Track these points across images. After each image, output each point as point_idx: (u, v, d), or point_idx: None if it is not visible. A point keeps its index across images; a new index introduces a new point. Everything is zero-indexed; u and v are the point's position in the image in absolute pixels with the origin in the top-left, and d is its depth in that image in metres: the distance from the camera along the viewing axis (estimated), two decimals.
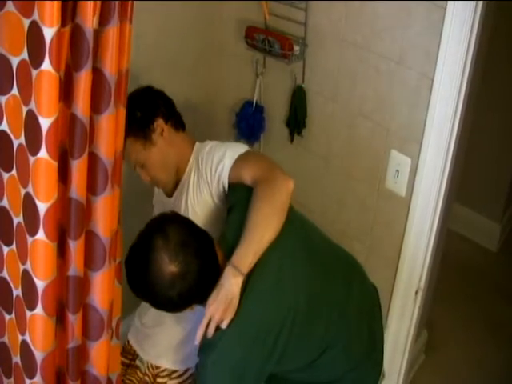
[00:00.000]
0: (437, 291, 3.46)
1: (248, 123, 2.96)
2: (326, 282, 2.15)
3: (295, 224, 2.15)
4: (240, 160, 2.16)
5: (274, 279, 2.02)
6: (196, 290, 1.96)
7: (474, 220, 4.50)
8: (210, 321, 1.97)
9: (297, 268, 2.08)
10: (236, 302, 1.97)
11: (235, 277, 1.96)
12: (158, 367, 2.48)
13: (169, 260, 1.90)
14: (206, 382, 2.01)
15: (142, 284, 1.93)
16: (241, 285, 1.96)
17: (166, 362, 2.48)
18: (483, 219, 4.48)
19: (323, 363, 2.17)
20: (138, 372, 2.52)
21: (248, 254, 1.98)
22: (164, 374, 2.47)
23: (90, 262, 1.79)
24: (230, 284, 1.95)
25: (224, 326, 1.96)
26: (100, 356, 1.94)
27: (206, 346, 1.99)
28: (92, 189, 1.71)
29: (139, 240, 1.96)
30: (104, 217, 1.74)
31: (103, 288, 1.83)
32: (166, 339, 2.47)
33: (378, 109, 2.60)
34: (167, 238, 1.92)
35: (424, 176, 2.53)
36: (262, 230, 2.02)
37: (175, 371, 2.47)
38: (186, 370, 2.48)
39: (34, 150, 1.56)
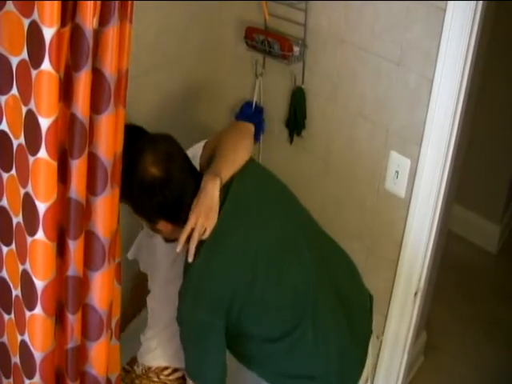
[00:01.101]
0: (436, 292, 3.46)
1: None
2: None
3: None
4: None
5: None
6: (172, 201, 2.07)
7: (473, 221, 4.51)
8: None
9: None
10: (216, 208, 2.08)
11: (214, 180, 2.07)
12: (149, 367, 2.49)
13: (152, 163, 2.02)
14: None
15: (126, 182, 1.89)
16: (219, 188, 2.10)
17: (156, 361, 2.49)
18: (482, 220, 4.49)
19: (297, 342, 2.19)
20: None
21: (224, 166, 2.13)
22: (153, 371, 2.49)
23: (89, 262, 1.79)
24: (211, 187, 2.06)
25: (206, 235, 2.05)
26: (99, 356, 1.94)
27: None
28: (91, 189, 1.71)
29: (131, 143, 1.94)
30: (103, 217, 1.74)
31: (102, 288, 1.83)
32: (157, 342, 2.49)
33: (377, 110, 2.60)
34: (156, 146, 2.07)
35: (423, 177, 2.53)
36: (234, 152, 2.18)
37: (166, 368, 2.48)
38: (176, 370, 2.49)
39: (34, 150, 1.56)
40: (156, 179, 2.03)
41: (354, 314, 2.33)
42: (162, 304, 2.43)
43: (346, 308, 2.30)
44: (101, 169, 1.68)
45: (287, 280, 2.19)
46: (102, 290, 1.84)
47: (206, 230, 2.06)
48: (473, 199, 4.40)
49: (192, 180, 2.13)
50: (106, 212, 1.74)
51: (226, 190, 2.13)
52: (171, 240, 2.28)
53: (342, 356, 2.25)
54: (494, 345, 3.91)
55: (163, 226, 2.15)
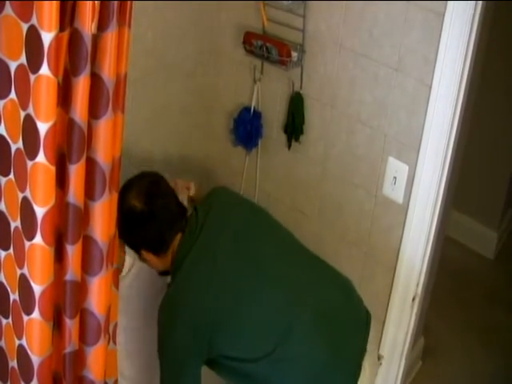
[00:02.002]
0: (433, 298, 3.46)
1: (246, 129, 2.96)
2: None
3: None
4: None
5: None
6: (153, 234, 2.27)
7: (470, 227, 4.51)
8: None
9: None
10: None
11: None
12: None
13: (136, 197, 2.21)
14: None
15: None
16: None
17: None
18: (480, 226, 4.49)
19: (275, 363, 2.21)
20: None
21: None
22: None
23: (87, 267, 1.79)
24: None
25: None
26: (97, 361, 1.94)
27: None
28: (90, 194, 1.71)
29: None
30: (102, 222, 1.74)
31: (100, 293, 1.83)
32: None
33: (375, 115, 2.60)
34: (142, 181, 2.28)
35: (421, 183, 2.53)
36: None
37: None
38: None
39: (32, 155, 1.56)
40: (138, 212, 2.23)
41: (343, 333, 2.33)
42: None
43: (333, 328, 2.30)
44: (99, 173, 1.68)
45: (262, 302, 2.24)
46: (100, 295, 1.83)
47: None
48: (470, 205, 4.40)
49: (175, 216, 2.29)
50: (104, 217, 1.73)
51: (198, 219, 2.30)
52: (163, 273, 2.40)
53: (322, 376, 2.25)
54: (490, 350, 3.90)
55: (148, 256, 2.31)
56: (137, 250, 2.33)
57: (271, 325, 2.22)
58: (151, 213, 2.24)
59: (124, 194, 2.17)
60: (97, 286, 1.81)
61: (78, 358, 1.91)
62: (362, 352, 2.36)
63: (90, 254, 1.78)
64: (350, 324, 2.37)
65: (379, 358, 2.48)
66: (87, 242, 1.76)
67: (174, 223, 2.29)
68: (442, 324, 4.00)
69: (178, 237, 2.31)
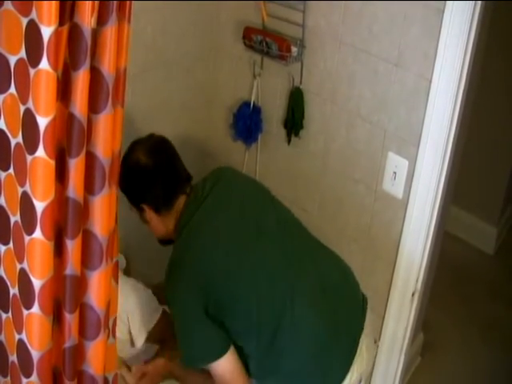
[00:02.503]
0: (433, 293, 3.47)
1: (245, 124, 2.96)
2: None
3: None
4: None
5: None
6: (155, 188, 2.30)
7: (470, 222, 4.52)
8: None
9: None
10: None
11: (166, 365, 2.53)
12: None
13: (143, 152, 2.28)
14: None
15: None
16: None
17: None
18: (480, 222, 4.50)
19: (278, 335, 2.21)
20: None
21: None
22: None
23: (87, 261, 1.79)
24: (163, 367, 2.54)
25: None
26: (97, 355, 1.93)
27: None
28: (89, 188, 1.70)
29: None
30: (101, 216, 1.74)
31: (100, 287, 1.83)
32: None
33: (375, 110, 2.61)
34: (151, 140, 2.36)
35: (421, 178, 2.53)
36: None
37: None
38: None
39: (32, 149, 1.56)
40: (143, 166, 2.28)
41: (341, 307, 2.34)
42: None
43: (331, 300, 2.31)
44: (99, 168, 1.68)
45: (264, 265, 2.26)
46: (100, 289, 1.83)
47: None
48: (470, 200, 4.41)
49: (181, 176, 2.34)
50: (103, 211, 1.73)
51: (205, 187, 2.33)
52: (165, 242, 2.33)
53: (319, 348, 2.25)
54: (490, 346, 3.91)
55: (150, 215, 2.33)
56: (139, 206, 2.34)
57: (273, 289, 2.23)
58: (156, 167, 2.30)
59: (131, 149, 2.30)
60: (96, 281, 1.81)
61: (78, 352, 1.91)
62: (359, 329, 2.35)
63: (89, 249, 1.78)
64: (347, 301, 2.38)
65: (375, 341, 2.48)
66: (87, 237, 1.76)
67: (178, 182, 2.34)
68: (442, 319, 4.00)
69: (182, 200, 2.34)
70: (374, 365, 2.57)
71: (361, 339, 2.31)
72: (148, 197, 2.32)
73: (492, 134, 4.19)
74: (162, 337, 2.58)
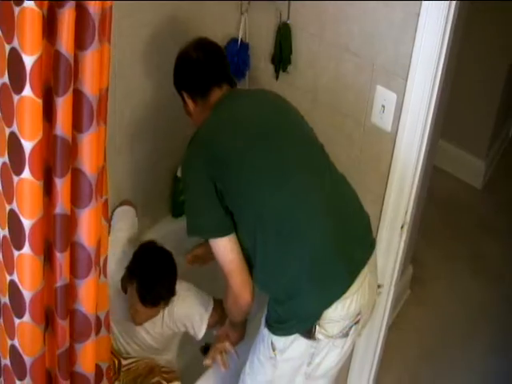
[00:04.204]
0: (422, 227, 3.50)
1: (233, 61, 2.94)
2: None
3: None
4: None
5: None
6: (196, 79, 2.44)
7: (459, 157, 4.53)
8: None
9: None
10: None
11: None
12: None
13: (194, 49, 2.47)
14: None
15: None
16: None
17: None
18: (468, 156, 4.51)
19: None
20: None
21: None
22: None
23: (76, 200, 1.79)
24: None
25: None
26: (88, 294, 1.95)
27: None
28: (77, 126, 1.70)
29: None
30: (90, 154, 1.74)
31: (90, 225, 1.84)
32: None
33: (363, 44, 2.59)
34: (205, 44, 2.54)
35: (409, 111, 2.53)
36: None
37: None
38: None
39: (18, 89, 1.56)
40: (184, 53, 2.47)
41: (350, 229, 2.33)
42: None
43: (341, 219, 2.30)
44: (86, 106, 1.67)
45: (281, 158, 2.28)
46: (90, 228, 1.84)
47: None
48: (458, 135, 4.42)
49: (215, 69, 2.45)
50: (92, 149, 1.73)
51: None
52: None
53: (322, 256, 2.24)
54: (478, 278, 3.97)
55: (189, 104, 2.45)
56: (181, 93, 2.47)
57: (280, 188, 2.23)
58: (198, 57, 2.44)
59: (187, 46, 2.48)
60: (86, 219, 1.82)
61: (70, 291, 1.93)
62: (363, 259, 2.33)
63: (79, 187, 1.78)
64: (357, 231, 2.38)
65: (379, 286, 2.50)
66: (76, 175, 1.76)
67: (214, 75, 2.44)
68: (431, 253, 4.04)
69: (218, 94, 2.41)
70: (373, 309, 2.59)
71: (364, 272, 2.29)
72: (185, 83, 2.45)
73: (481, 66, 4.18)
74: (217, 322, 2.70)
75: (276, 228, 2.22)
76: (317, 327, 2.23)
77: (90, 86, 1.66)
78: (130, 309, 2.56)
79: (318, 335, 2.24)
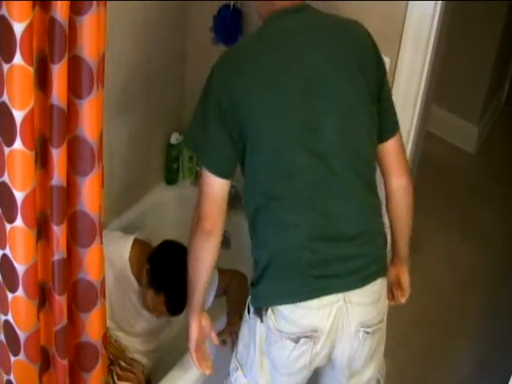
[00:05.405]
0: (414, 193, 3.50)
1: (225, 26, 2.91)
2: None
3: None
4: None
5: None
6: None
7: (451, 122, 4.52)
8: None
9: None
10: None
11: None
12: None
13: None
14: None
15: None
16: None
17: None
18: (461, 121, 4.51)
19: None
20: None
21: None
22: None
23: (78, 168, 1.78)
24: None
25: None
26: (93, 261, 1.94)
27: None
28: (77, 93, 1.68)
29: None
30: (91, 119, 1.73)
31: (93, 192, 1.83)
32: None
33: (356, 9, 2.56)
34: None
35: (402, 76, 2.52)
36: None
37: None
38: None
39: (8, 58, 1.54)
40: None
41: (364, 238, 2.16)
42: None
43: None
44: (87, 71, 1.66)
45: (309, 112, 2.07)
46: (93, 195, 1.83)
47: None
48: (451, 100, 4.40)
49: None
50: (92, 114, 1.72)
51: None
52: None
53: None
54: (471, 243, 3.98)
55: None
56: None
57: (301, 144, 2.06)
58: None
59: None
60: (89, 186, 1.81)
61: (72, 262, 1.92)
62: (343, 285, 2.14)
63: (80, 154, 1.76)
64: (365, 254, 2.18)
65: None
66: (77, 142, 1.75)
67: None
68: (423, 219, 4.04)
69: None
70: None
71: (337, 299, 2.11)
72: None
73: (475, 31, 4.16)
74: (224, 290, 2.73)
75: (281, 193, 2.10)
76: (268, 311, 2.14)
77: (88, 51, 1.64)
78: (148, 304, 2.62)
79: (268, 321, 2.14)
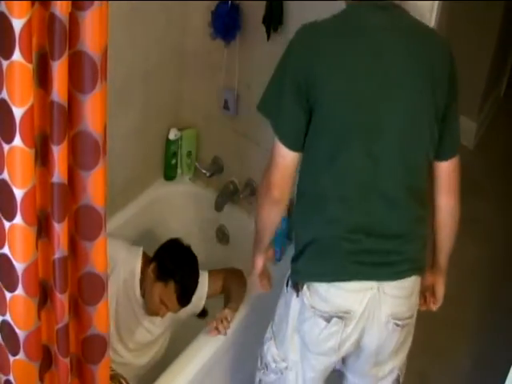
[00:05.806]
0: None
1: (224, 22, 2.91)
2: None
3: None
4: None
5: None
6: None
7: None
8: None
9: None
10: None
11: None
12: None
13: None
14: None
15: None
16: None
17: None
18: (459, 116, 4.49)
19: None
20: None
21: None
22: None
23: (83, 162, 1.77)
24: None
25: None
26: (99, 253, 1.93)
27: None
28: (81, 88, 1.67)
29: None
30: (95, 113, 1.70)
31: (99, 186, 1.81)
32: None
33: None
34: None
35: None
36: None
37: None
38: None
39: (7, 55, 1.52)
40: None
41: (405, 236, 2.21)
42: None
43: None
44: (91, 66, 1.64)
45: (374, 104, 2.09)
46: (99, 188, 1.81)
47: None
48: None
49: None
50: (97, 108, 1.70)
51: None
52: None
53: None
54: (470, 238, 3.97)
55: None
56: None
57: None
58: None
59: None
60: (95, 180, 1.79)
61: (77, 257, 1.91)
62: (381, 274, 2.21)
63: (84, 149, 1.75)
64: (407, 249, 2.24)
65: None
66: (81, 137, 1.73)
67: None
68: None
69: None
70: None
71: (372, 286, 2.18)
72: None
73: (472, 28, 4.16)
74: (215, 291, 2.81)
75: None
76: (304, 287, 2.22)
77: (92, 45, 1.62)
78: (155, 302, 2.62)
79: (304, 297, 2.22)
